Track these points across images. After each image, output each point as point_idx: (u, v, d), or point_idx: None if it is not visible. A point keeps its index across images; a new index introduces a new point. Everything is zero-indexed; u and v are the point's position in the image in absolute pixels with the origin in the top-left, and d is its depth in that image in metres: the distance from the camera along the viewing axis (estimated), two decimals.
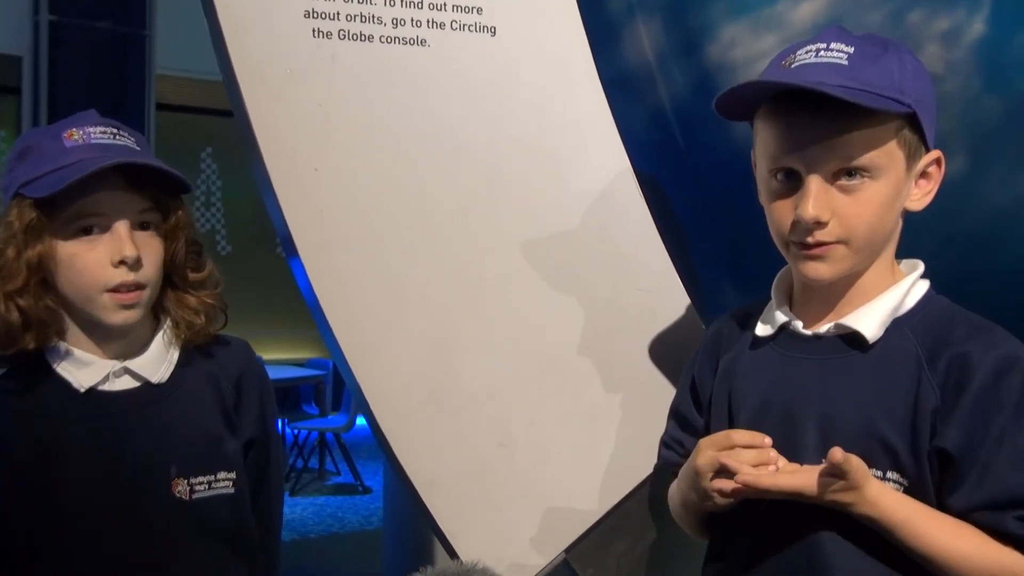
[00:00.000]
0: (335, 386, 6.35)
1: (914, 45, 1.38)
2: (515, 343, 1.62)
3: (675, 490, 1.24)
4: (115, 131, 1.17)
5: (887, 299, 1.10)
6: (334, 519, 5.13)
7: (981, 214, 1.41)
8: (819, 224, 1.04)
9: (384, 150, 1.57)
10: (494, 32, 1.64)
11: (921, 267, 1.13)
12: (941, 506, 1.04)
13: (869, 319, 1.09)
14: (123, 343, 1.21)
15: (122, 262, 1.14)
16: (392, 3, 1.57)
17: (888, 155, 1.05)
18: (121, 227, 1.15)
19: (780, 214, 1.08)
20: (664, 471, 1.33)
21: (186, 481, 1.19)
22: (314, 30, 1.53)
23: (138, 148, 1.18)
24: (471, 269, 1.61)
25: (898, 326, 1.09)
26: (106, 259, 1.14)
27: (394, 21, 1.57)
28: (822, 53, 1.04)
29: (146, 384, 1.21)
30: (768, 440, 1.05)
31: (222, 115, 6.62)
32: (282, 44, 1.51)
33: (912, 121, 1.05)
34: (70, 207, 1.14)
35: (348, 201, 1.54)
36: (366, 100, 1.56)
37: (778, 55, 1.09)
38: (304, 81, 1.52)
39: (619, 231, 1.70)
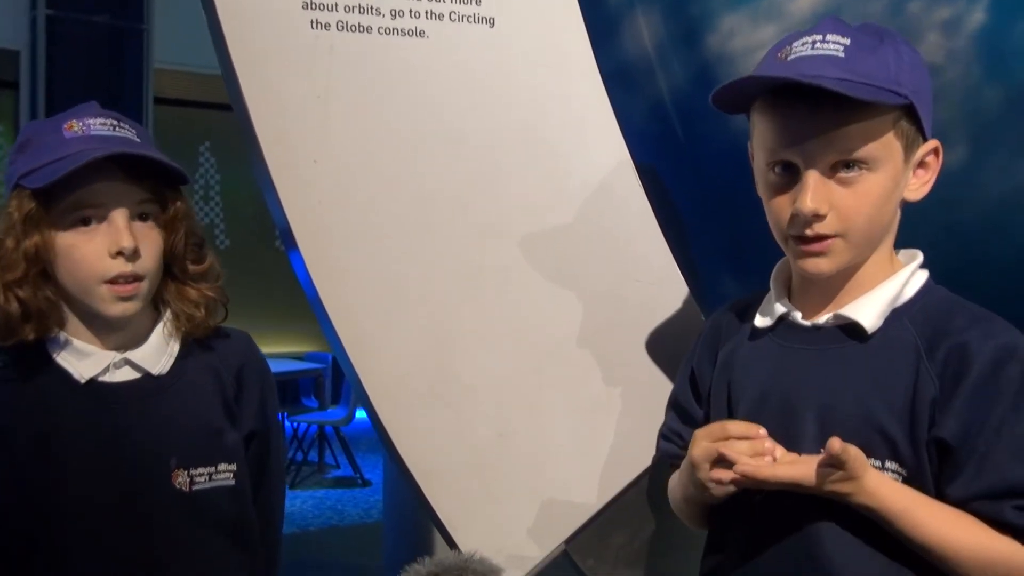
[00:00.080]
0: (334, 379, 6.37)
1: (914, 34, 1.38)
2: (515, 335, 1.62)
3: (676, 483, 1.24)
4: (115, 123, 1.17)
5: (886, 289, 1.10)
6: (334, 512, 5.14)
7: (982, 204, 1.41)
8: (817, 217, 1.04)
9: (383, 142, 1.57)
10: (493, 23, 1.64)
11: (920, 257, 1.13)
12: (939, 496, 1.04)
13: (868, 309, 1.09)
14: (123, 335, 1.21)
15: (120, 253, 1.14)
16: None
17: (886, 147, 1.04)
18: (119, 218, 1.15)
19: (778, 208, 1.08)
20: (663, 463, 1.33)
21: (186, 472, 1.19)
22: (312, 21, 1.53)
23: (138, 140, 1.18)
24: (471, 261, 1.61)
25: (897, 316, 1.09)
26: (104, 250, 1.14)
27: (392, 12, 1.57)
28: (818, 45, 1.04)
29: (146, 375, 1.21)
30: (763, 431, 1.05)
31: (220, 109, 6.62)
32: (280, 36, 1.51)
33: (909, 112, 1.05)
34: (68, 198, 1.14)
35: (347, 193, 1.54)
36: (365, 92, 1.56)
37: (774, 47, 1.09)
38: (302, 73, 1.52)
39: (619, 223, 1.70)
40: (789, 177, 1.07)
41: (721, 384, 1.19)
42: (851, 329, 1.10)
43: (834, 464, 0.99)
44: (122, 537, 1.16)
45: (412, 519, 3.56)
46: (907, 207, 1.11)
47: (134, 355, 1.21)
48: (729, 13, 1.52)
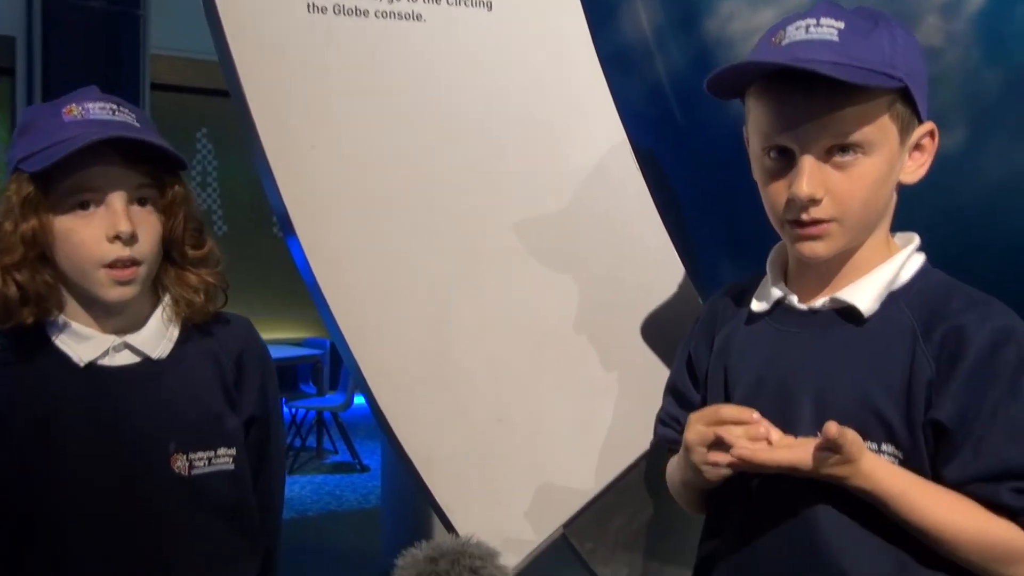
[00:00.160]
0: (332, 365, 6.38)
1: (914, 17, 1.37)
2: (513, 319, 1.63)
3: (674, 467, 1.24)
4: (115, 107, 1.17)
5: (882, 273, 1.10)
6: (332, 497, 5.16)
7: (981, 187, 1.41)
8: (813, 202, 1.04)
9: (381, 126, 1.56)
10: (490, 7, 1.63)
11: (916, 240, 1.13)
12: (936, 478, 1.04)
13: (864, 293, 1.09)
14: (122, 319, 1.21)
15: (117, 237, 1.14)
16: None
17: (881, 130, 1.04)
18: (116, 202, 1.15)
19: (774, 193, 1.08)
20: (660, 448, 1.33)
21: (185, 456, 1.20)
22: (309, 5, 1.52)
23: (138, 124, 1.17)
24: (469, 245, 1.61)
25: (893, 299, 1.09)
26: (101, 234, 1.14)
27: None
28: (812, 29, 1.04)
29: (146, 360, 1.21)
30: (756, 415, 1.05)
31: (217, 95, 6.60)
32: (277, 20, 1.50)
33: (904, 94, 1.05)
34: (65, 181, 1.14)
35: (346, 179, 1.54)
36: (362, 76, 1.55)
37: (768, 31, 1.09)
38: (300, 57, 1.51)
39: (617, 206, 1.70)
40: (785, 162, 1.06)
41: (718, 368, 1.20)
42: (847, 312, 1.10)
43: (831, 448, 1.00)
44: (121, 521, 1.17)
45: (410, 504, 3.58)
46: (907, 191, 1.11)
47: (133, 339, 1.21)
48: None
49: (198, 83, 6.91)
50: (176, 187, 1.20)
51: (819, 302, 1.12)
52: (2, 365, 1.18)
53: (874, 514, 1.04)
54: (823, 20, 1.04)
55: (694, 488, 1.18)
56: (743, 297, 1.21)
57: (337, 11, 1.53)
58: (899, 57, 1.03)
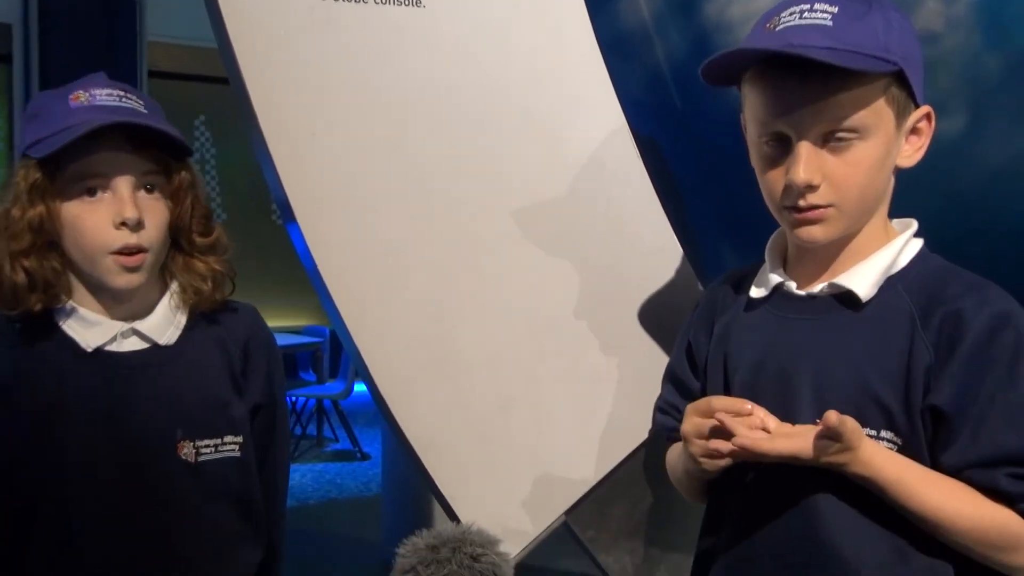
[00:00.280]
0: (332, 353, 6.37)
1: (914, 1, 1.37)
2: (514, 307, 1.63)
3: (676, 457, 1.24)
4: (122, 93, 1.17)
5: (880, 258, 1.10)
6: (333, 485, 5.16)
7: (981, 171, 1.41)
8: (811, 188, 1.04)
9: (380, 113, 1.56)
10: None
11: (914, 226, 1.13)
12: (934, 464, 1.05)
13: (862, 278, 1.09)
14: (130, 305, 1.21)
15: (124, 223, 1.14)
16: None
17: (877, 114, 1.04)
18: (123, 188, 1.15)
19: (772, 180, 1.08)
20: (660, 436, 1.33)
21: (192, 444, 1.20)
22: None
23: (145, 111, 1.17)
24: (469, 232, 1.61)
25: (891, 284, 1.09)
26: (108, 220, 1.14)
27: None
28: (806, 14, 1.03)
29: (153, 346, 1.21)
30: (750, 406, 1.06)
31: (215, 82, 6.58)
32: (276, 7, 1.50)
33: (900, 78, 1.05)
34: (72, 167, 1.14)
35: (345, 165, 1.54)
36: (362, 62, 1.55)
37: (762, 17, 1.08)
38: (299, 44, 1.51)
39: (617, 193, 1.70)
40: (782, 148, 1.07)
41: (717, 355, 1.20)
42: (846, 298, 1.10)
43: (831, 436, 1.00)
44: (127, 507, 1.17)
45: (411, 492, 3.58)
46: (906, 176, 1.11)
47: (141, 325, 1.21)
48: None
49: (195, 71, 6.89)
50: (183, 173, 1.20)
51: (817, 288, 1.12)
52: (10, 350, 1.18)
53: (873, 501, 1.04)
54: (817, 5, 1.04)
55: (695, 478, 1.18)
56: (743, 284, 1.21)
57: None
58: (894, 41, 1.03)
